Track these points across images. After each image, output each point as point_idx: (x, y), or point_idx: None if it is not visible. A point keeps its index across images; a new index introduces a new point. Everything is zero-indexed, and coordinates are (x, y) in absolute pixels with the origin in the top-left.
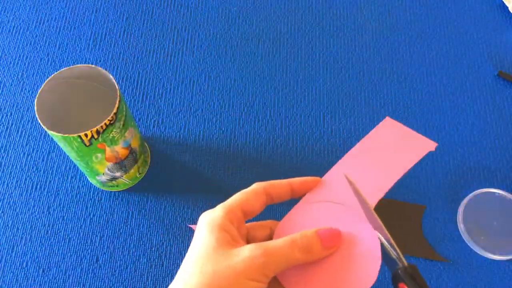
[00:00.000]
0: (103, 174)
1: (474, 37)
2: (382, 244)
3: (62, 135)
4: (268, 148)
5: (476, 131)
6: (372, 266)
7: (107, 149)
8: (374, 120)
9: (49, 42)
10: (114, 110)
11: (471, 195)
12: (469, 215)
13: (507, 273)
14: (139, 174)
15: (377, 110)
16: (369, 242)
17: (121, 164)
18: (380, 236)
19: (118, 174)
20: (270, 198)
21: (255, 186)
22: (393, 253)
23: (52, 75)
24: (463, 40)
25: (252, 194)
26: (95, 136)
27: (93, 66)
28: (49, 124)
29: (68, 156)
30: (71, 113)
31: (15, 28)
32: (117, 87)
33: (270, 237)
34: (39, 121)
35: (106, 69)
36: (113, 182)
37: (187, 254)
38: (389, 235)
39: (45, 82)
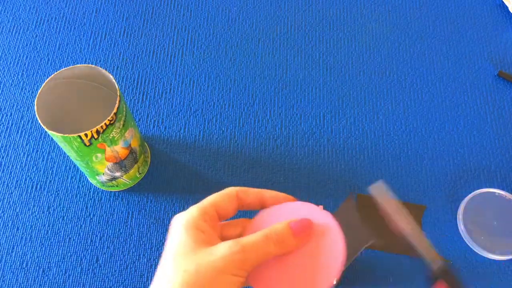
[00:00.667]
0: (103, 174)
1: (474, 37)
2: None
3: (62, 135)
4: (268, 148)
5: (476, 131)
6: (336, 258)
7: (107, 149)
8: (374, 120)
9: (49, 42)
10: (114, 110)
11: (471, 195)
12: (469, 215)
13: (507, 273)
14: (139, 174)
15: (377, 110)
16: (333, 236)
17: (121, 164)
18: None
19: (118, 174)
20: (241, 203)
21: (229, 190)
22: (428, 255)
23: (52, 75)
24: (463, 40)
25: (225, 197)
26: (95, 136)
27: (93, 66)
28: (49, 124)
29: (68, 156)
30: (71, 113)
31: (15, 28)
32: (117, 87)
33: (242, 235)
34: (39, 121)
35: (106, 69)
36: (113, 182)
37: (164, 254)
38: (425, 238)
39: (45, 82)
